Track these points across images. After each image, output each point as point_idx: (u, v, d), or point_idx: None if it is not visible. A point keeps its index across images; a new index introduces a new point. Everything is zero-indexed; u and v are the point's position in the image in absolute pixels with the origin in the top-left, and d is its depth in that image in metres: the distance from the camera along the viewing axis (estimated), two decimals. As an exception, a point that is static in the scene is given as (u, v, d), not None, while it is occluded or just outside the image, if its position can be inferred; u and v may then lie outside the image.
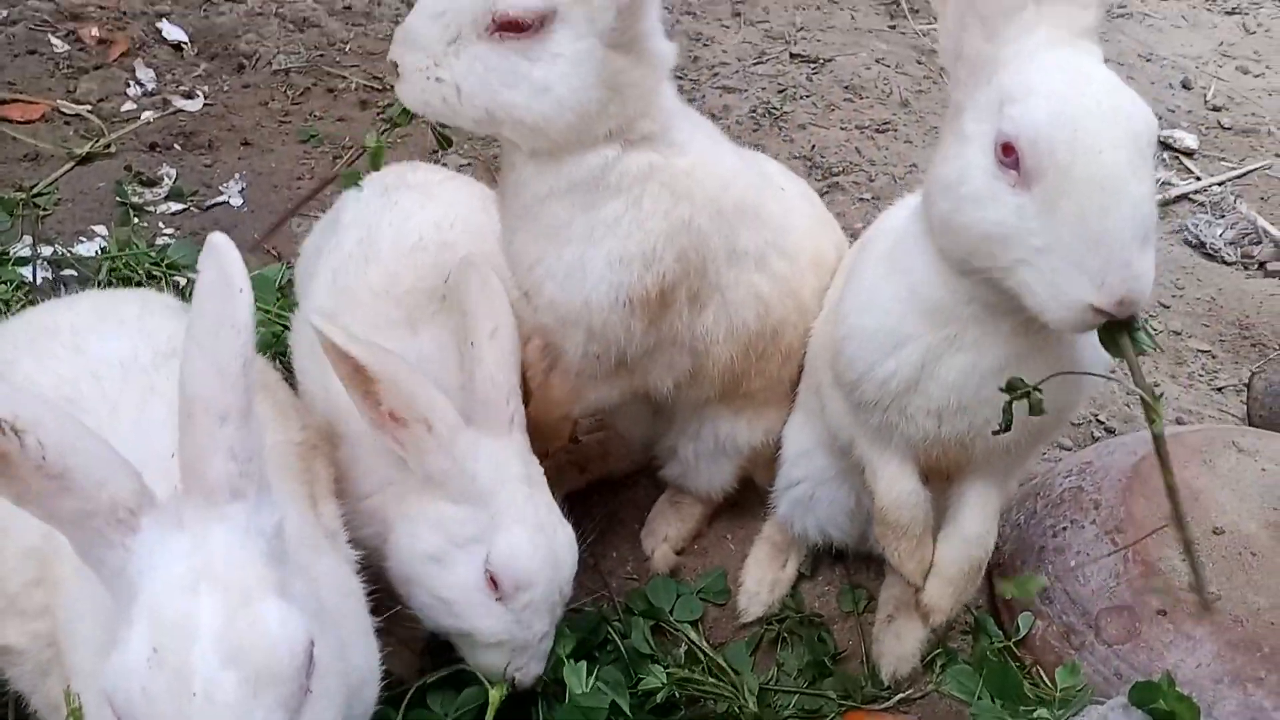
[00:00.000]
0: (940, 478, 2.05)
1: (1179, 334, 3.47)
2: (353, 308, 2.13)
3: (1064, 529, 2.44)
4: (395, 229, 2.26)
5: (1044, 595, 2.38)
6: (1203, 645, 2.13)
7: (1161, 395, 1.75)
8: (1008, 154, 1.48)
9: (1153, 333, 1.53)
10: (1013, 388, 1.63)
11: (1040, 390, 1.61)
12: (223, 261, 1.26)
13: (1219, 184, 4.33)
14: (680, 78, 4.54)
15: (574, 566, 1.93)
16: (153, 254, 3.09)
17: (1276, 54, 5.43)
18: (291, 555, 1.35)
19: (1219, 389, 3.27)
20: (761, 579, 2.56)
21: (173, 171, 3.54)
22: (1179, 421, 3.08)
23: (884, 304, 1.84)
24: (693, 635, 2.45)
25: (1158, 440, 1.60)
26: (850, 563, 2.64)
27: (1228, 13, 5.88)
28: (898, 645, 2.36)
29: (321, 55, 4.28)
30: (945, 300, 1.72)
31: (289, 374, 2.72)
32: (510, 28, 1.75)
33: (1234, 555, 2.23)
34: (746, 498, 2.68)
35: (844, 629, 2.53)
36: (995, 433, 1.68)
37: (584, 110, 1.82)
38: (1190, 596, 2.16)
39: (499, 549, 1.83)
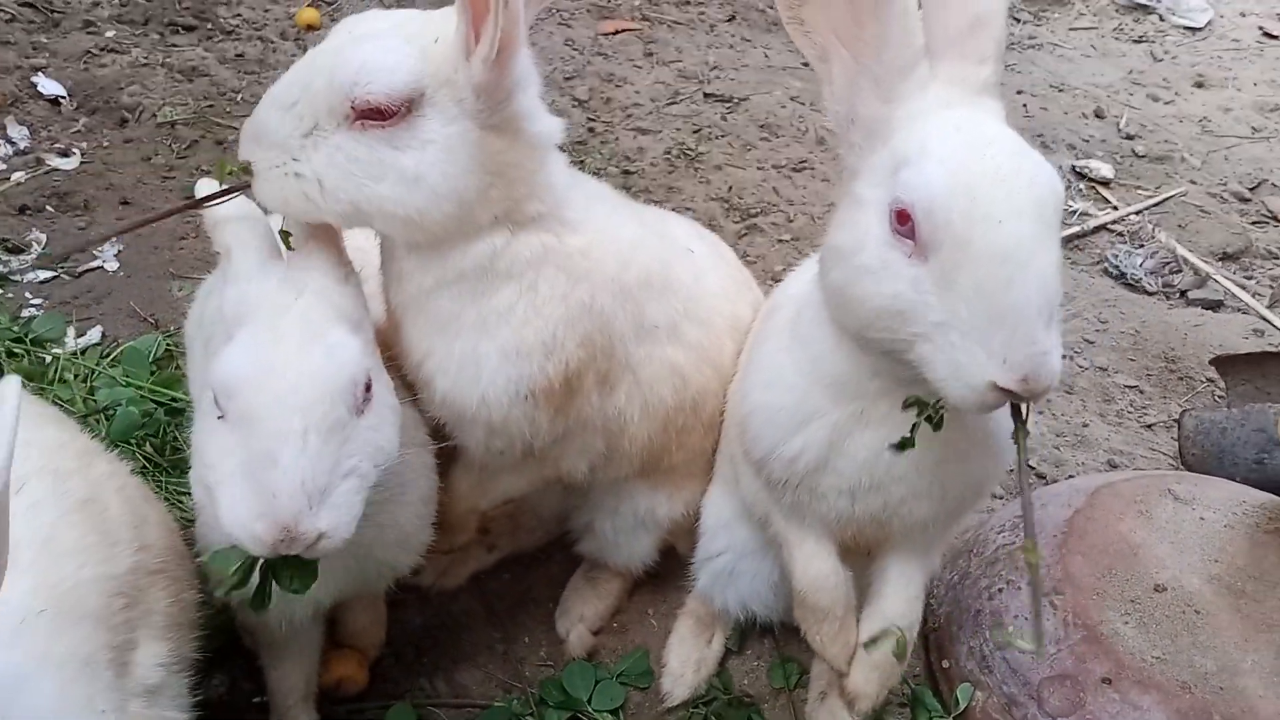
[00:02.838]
0: (860, 554, 1.91)
1: (1105, 370, 3.39)
2: None
3: (1000, 590, 2.30)
4: None
5: (983, 664, 2.23)
6: (1150, 715, 2.00)
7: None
8: (903, 222, 1.35)
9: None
10: (911, 404, 1.51)
11: (943, 408, 1.47)
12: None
13: (1136, 213, 4.31)
14: (593, 120, 4.41)
15: (330, 379, 1.53)
16: (15, 329, 2.83)
17: (1184, 81, 5.49)
18: None
19: (1149, 426, 3.19)
20: (686, 658, 2.39)
21: (43, 236, 3.28)
22: (1111, 464, 2.99)
23: (786, 379, 1.70)
24: (613, 726, 2.27)
25: (1033, 569, 1.44)
26: (780, 634, 2.48)
27: (1135, 41, 5.95)
28: (832, 724, 2.20)
29: (211, 106, 4.05)
30: (849, 374, 1.58)
31: (161, 458, 2.51)
32: (372, 115, 1.58)
33: (1177, 614, 2.11)
34: (668, 567, 2.52)
35: (775, 708, 2.37)
36: (899, 447, 1.54)
37: (462, 199, 1.65)
38: (1135, 663, 2.03)
39: (214, 367, 1.55)
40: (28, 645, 1.34)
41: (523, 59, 1.64)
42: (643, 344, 1.97)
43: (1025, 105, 5.03)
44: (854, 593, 1.94)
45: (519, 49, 1.60)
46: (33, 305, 3.05)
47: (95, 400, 2.66)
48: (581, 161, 4.08)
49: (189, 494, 2.41)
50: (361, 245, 1.91)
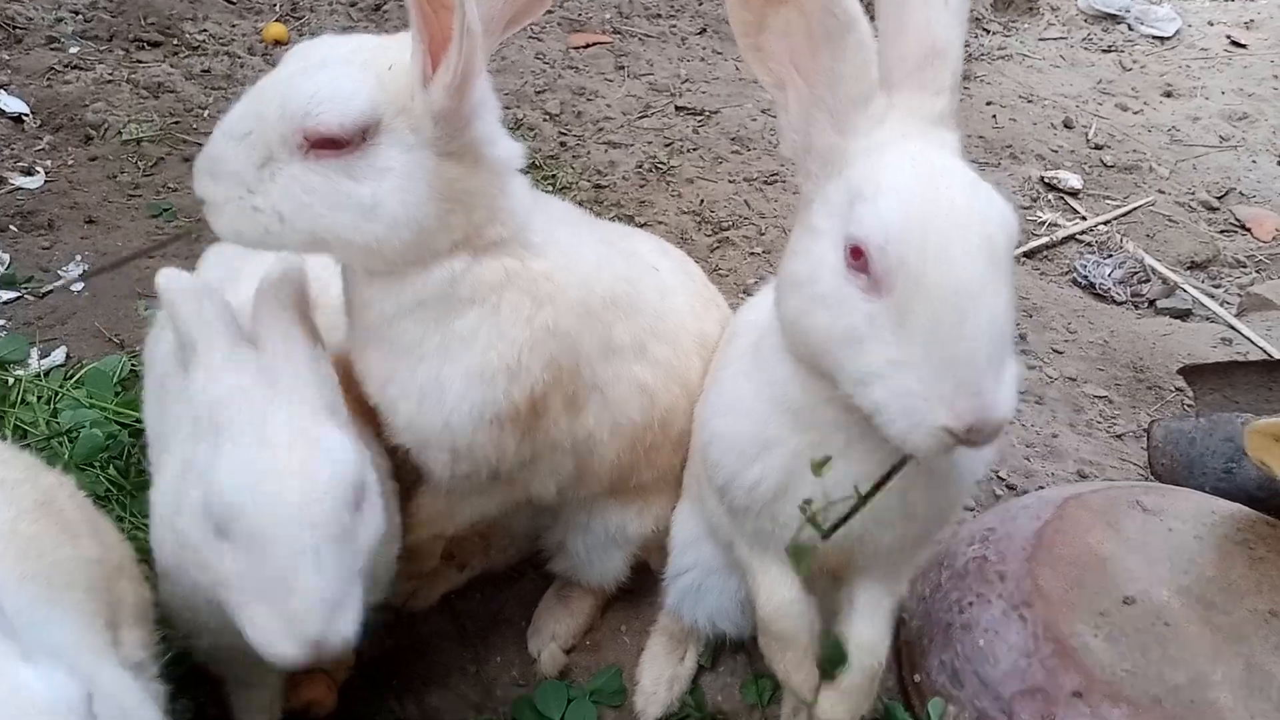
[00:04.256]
0: (827, 580, 1.89)
1: (1074, 380, 3.41)
2: None
3: (970, 604, 2.30)
4: None
5: (955, 678, 2.23)
6: (1121, 728, 2.00)
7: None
8: (857, 257, 1.34)
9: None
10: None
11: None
12: None
13: (1105, 223, 4.34)
14: (564, 134, 4.41)
15: (334, 489, 1.51)
16: (-24, 350, 2.79)
17: (1153, 90, 5.56)
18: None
19: (1119, 436, 3.21)
20: (659, 676, 2.37)
21: (5, 256, 3.24)
22: (1080, 475, 3.00)
23: (745, 406, 1.68)
24: (585, 746, 2.25)
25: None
26: (753, 650, 2.47)
27: (1104, 51, 6.01)
28: (805, 740, 2.19)
29: (177, 122, 4.02)
30: (807, 402, 1.56)
31: (126, 481, 2.48)
32: (326, 145, 1.55)
33: (1147, 627, 2.11)
34: (641, 583, 2.50)
35: (748, 724, 2.36)
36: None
37: (422, 226, 1.62)
38: (1106, 677, 2.03)
39: (208, 481, 1.50)
40: (31, 594, 1.37)
41: (481, 85, 1.63)
42: (610, 364, 1.96)
43: (994, 116, 5.07)
44: (819, 620, 1.91)
45: (478, 75, 1.59)
46: (-5, 327, 3.01)
47: (58, 423, 2.62)
48: (553, 176, 4.08)
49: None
50: (319, 275, 1.89)
